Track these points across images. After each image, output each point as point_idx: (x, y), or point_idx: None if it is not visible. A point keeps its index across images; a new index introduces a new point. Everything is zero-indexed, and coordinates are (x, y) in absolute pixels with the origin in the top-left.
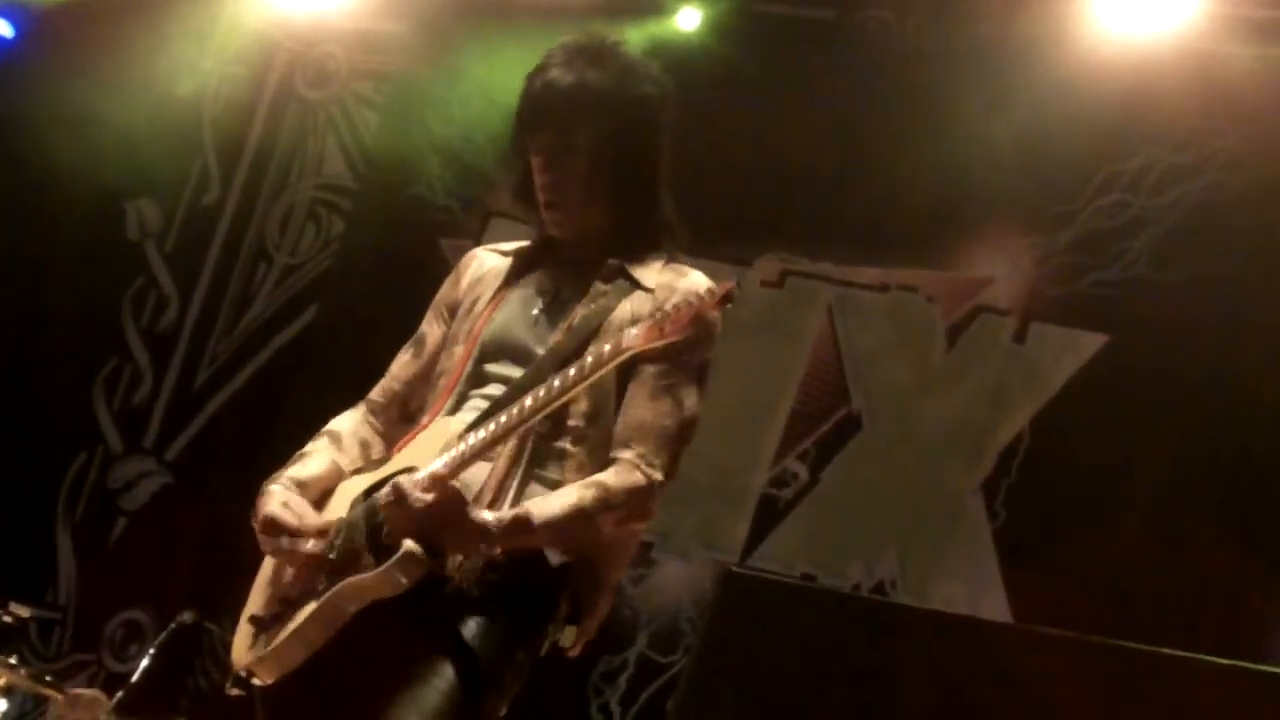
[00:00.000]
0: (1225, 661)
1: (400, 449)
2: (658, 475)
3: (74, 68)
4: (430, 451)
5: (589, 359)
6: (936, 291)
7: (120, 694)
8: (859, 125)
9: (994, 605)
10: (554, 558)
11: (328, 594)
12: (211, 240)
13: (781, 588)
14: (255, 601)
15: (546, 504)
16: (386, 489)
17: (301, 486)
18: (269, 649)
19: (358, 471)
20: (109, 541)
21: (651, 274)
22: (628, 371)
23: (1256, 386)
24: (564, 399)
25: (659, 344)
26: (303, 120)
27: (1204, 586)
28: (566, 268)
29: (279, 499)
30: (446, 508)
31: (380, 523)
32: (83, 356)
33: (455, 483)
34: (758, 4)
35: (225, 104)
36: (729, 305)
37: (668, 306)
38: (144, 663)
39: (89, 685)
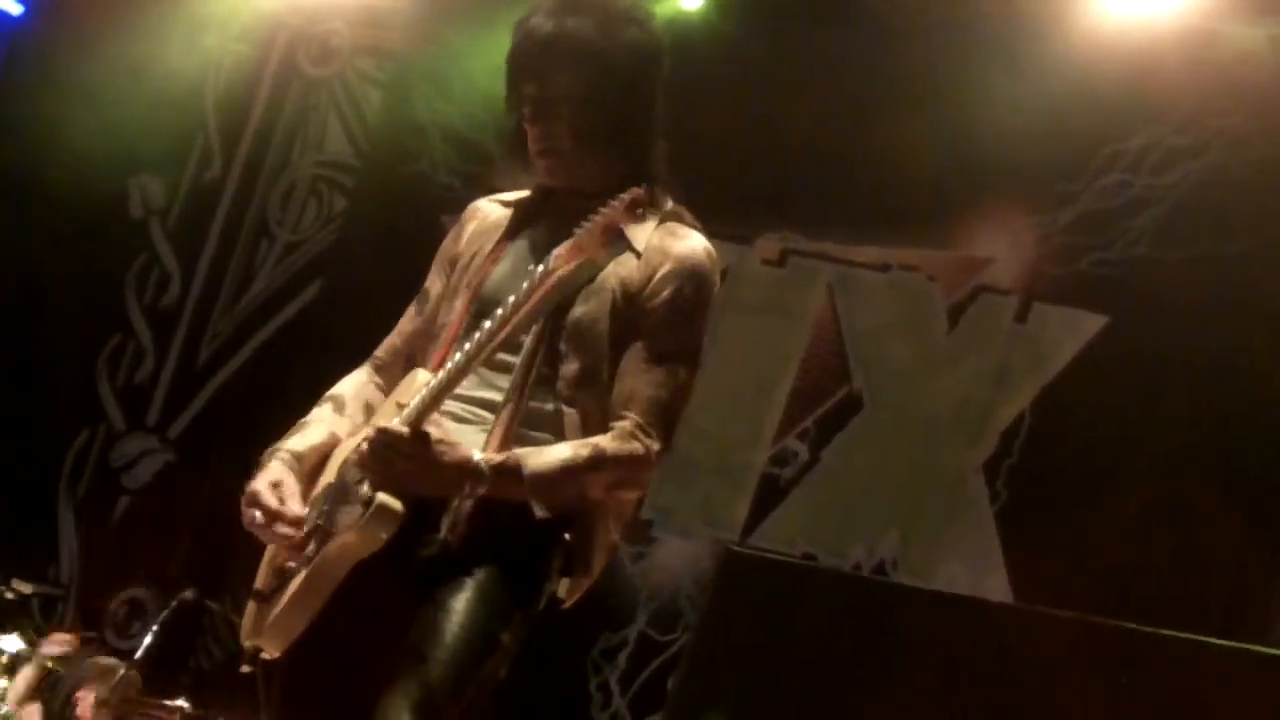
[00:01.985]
0: (1229, 643)
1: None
2: (654, 445)
3: (80, 45)
4: (403, 406)
5: (524, 286)
6: (938, 271)
7: (124, 671)
8: (861, 103)
9: (996, 585)
10: (539, 511)
11: (314, 560)
12: (214, 217)
13: (782, 567)
14: (259, 578)
15: (539, 455)
16: (353, 452)
17: (299, 458)
18: (269, 621)
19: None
20: (111, 519)
21: (643, 234)
22: (622, 337)
23: (1259, 366)
24: (506, 330)
25: (580, 260)
26: (305, 97)
27: (1206, 566)
28: (564, 220)
29: (270, 476)
30: (419, 450)
31: (358, 479)
32: (85, 334)
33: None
34: None
35: (228, 81)
36: (639, 210)
37: (586, 223)
38: (147, 640)
39: None
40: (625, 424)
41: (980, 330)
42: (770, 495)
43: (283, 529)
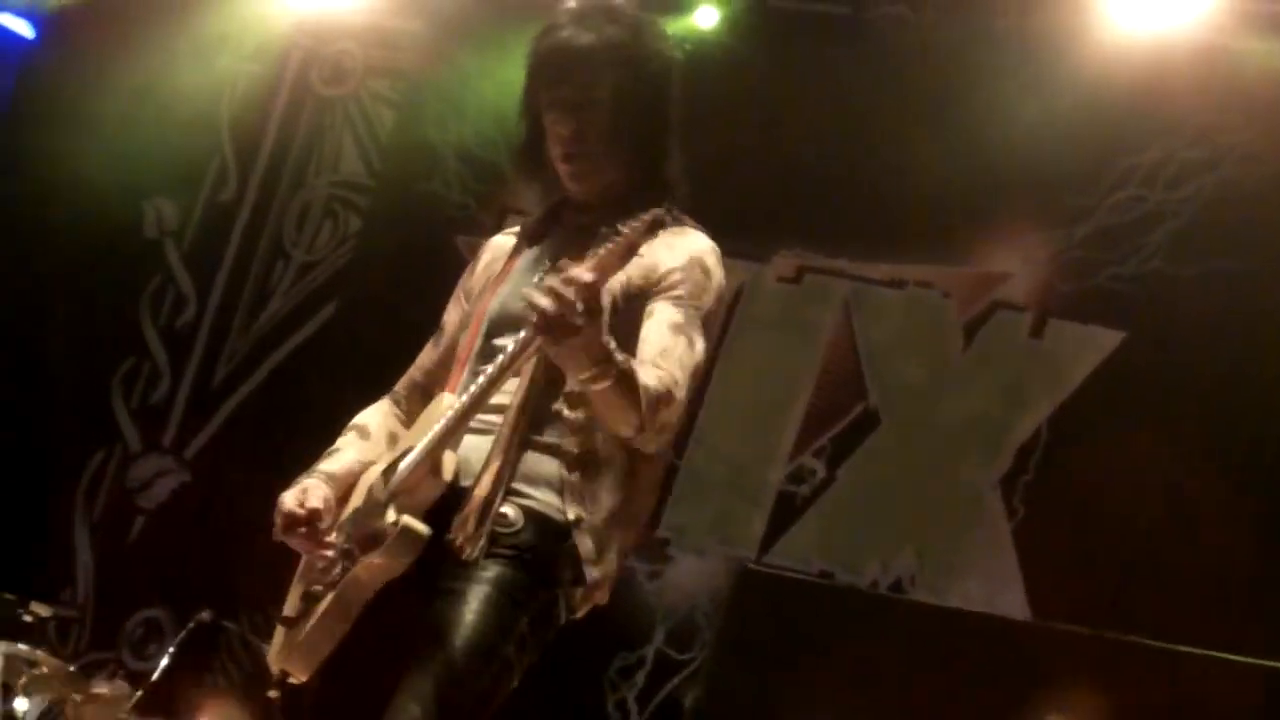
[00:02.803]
0: (1247, 659)
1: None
2: (685, 397)
3: (93, 68)
4: (426, 429)
5: (604, 254)
6: (953, 287)
7: (139, 693)
8: (875, 120)
9: (1013, 602)
10: (644, 428)
11: (341, 584)
12: (229, 238)
13: (798, 585)
14: (287, 604)
15: (641, 368)
16: (547, 283)
17: (331, 479)
18: (297, 648)
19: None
20: (127, 540)
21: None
22: (631, 320)
23: (1275, 380)
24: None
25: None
26: (319, 118)
27: (1223, 582)
28: (570, 235)
29: (298, 487)
30: (597, 311)
31: (391, 496)
32: (101, 355)
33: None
34: (774, 1)
35: (242, 102)
36: (660, 231)
37: (609, 243)
38: (163, 661)
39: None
40: (668, 373)
41: (996, 346)
42: (787, 513)
43: (302, 531)
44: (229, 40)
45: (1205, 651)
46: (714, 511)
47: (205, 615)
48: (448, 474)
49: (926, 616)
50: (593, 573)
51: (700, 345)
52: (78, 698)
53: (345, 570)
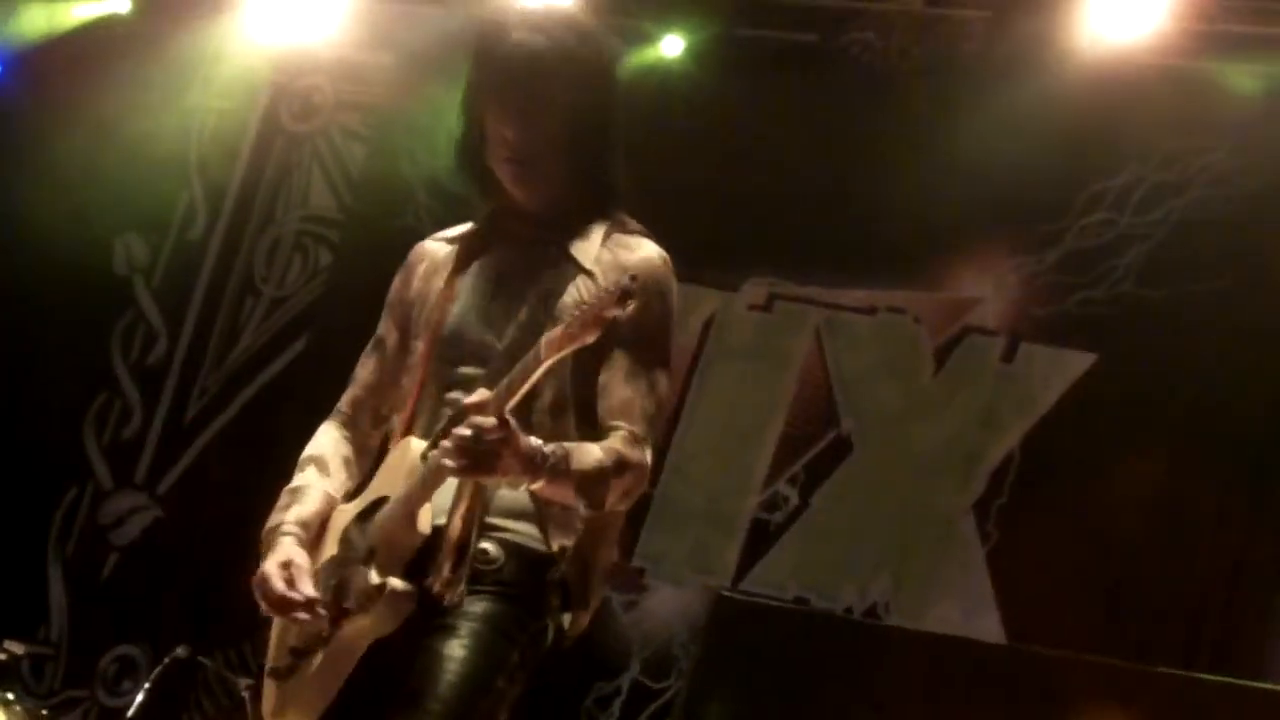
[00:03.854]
0: (1223, 679)
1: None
2: (649, 456)
3: (61, 105)
4: (398, 478)
5: (517, 371)
6: (924, 312)
7: None
8: (843, 147)
9: (988, 626)
10: (583, 510)
11: (331, 643)
12: (199, 274)
13: (774, 612)
14: (271, 653)
15: (581, 453)
16: (454, 430)
17: (304, 526)
18: (293, 703)
19: (347, 496)
20: (101, 577)
21: (591, 251)
22: (583, 363)
23: (1248, 401)
24: (509, 403)
25: (569, 349)
26: (289, 153)
27: (1199, 603)
28: (513, 249)
29: (280, 557)
30: (506, 433)
31: (369, 553)
32: (72, 392)
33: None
34: (740, 29)
35: (211, 138)
36: (630, 302)
37: (576, 312)
38: (138, 698)
39: None
40: (625, 433)
41: (968, 371)
42: (761, 540)
43: (300, 614)
44: (198, 76)
45: (1183, 672)
46: (689, 541)
47: (181, 651)
48: (424, 526)
49: (903, 641)
50: (581, 596)
51: (664, 381)
52: None
53: (332, 627)
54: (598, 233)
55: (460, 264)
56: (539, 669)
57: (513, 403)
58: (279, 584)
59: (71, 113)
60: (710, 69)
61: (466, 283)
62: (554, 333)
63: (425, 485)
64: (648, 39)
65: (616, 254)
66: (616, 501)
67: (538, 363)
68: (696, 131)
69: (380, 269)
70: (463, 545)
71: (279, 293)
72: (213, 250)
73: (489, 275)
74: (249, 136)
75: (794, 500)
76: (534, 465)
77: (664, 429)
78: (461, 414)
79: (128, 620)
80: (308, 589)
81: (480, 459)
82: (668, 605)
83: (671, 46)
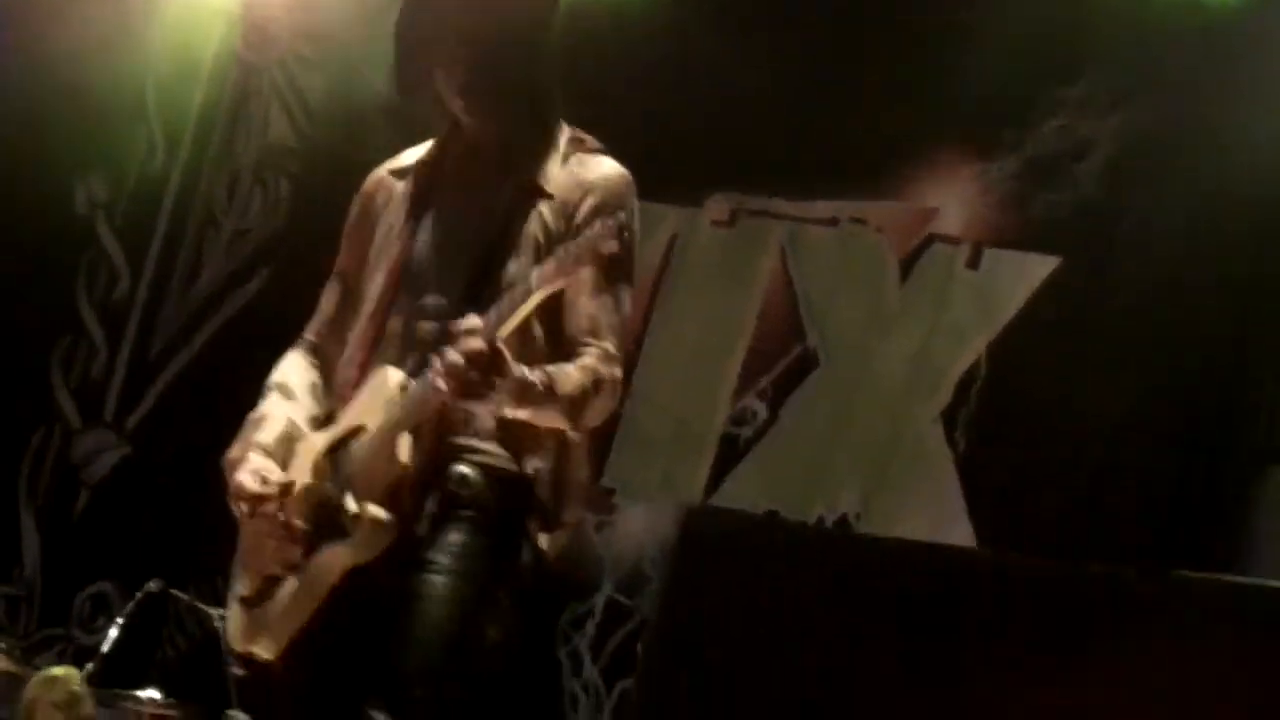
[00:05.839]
0: (1202, 576)
1: (348, 401)
2: (620, 373)
3: (14, 43)
4: (375, 407)
5: (506, 301)
6: (887, 223)
7: (90, 666)
8: (803, 60)
9: (959, 535)
10: (571, 433)
11: (307, 569)
12: (160, 210)
13: (744, 523)
14: (241, 583)
15: (563, 376)
16: (437, 362)
17: (268, 451)
18: (264, 629)
19: (314, 423)
20: (72, 516)
21: (550, 173)
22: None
23: (1211, 305)
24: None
25: (561, 283)
26: (245, 84)
27: (1174, 504)
28: (471, 175)
29: (251, 466)
30: (500, 363)
31: (347, 481)
32: (37, 333)
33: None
34: None
35: (167, 72)
36: (625, 235)
37: (567, 247)
38: (112, 633)
39: (59, 660)
40: (597, 350)
41: (932, 280)
42: (730, 456)
43: (278, 511)
44: (152, 10)
45: (1159, 573)
46: (658, 459)
47: (153, 585)
48: (404, 456)
49: (874, 550)
50: (558, 519)
51: (628, 298)
52: (33, 676)
53: (308, 553)
54: (556, 154)
55: (418, 191)
56: (523, 592)
57: (504, 332)
58: (251, 480)
59: (26, 51)
60: None
61: (430, 216)
62: (547, 266)
63: (407, 414)
64: None
65: (575, 173)
66: (594, 420)
67: (529, 294)
68: (655, 50)
69: (341, 199)
70: (437, 473)
71: (240, 225)
72: (173, 186)
73: (448, 203)
74: (205, 69)
75: (762, 415)
76: (523, 393)
77: (628, 346)
78: (449, 339)
79: (100, 558)
80: (278, 477)
81: (471, 385)
82: (639, 524)
83: None
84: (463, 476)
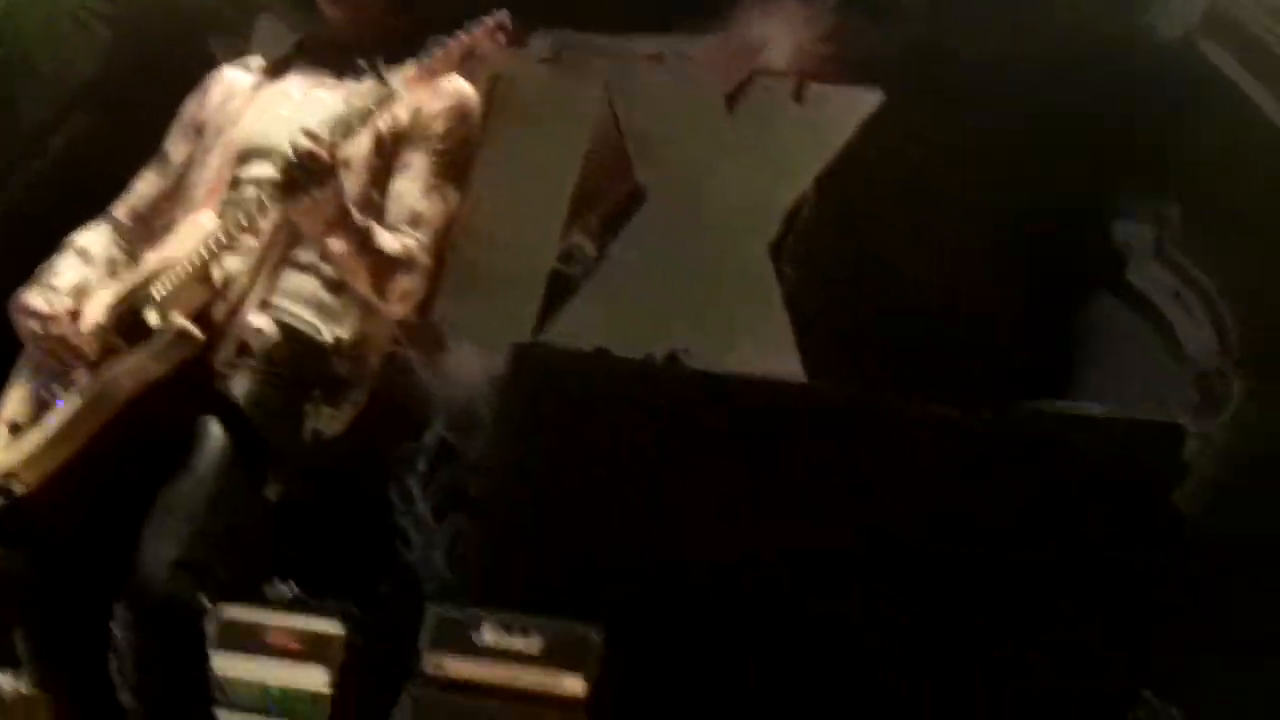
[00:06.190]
0: (1034, 406)
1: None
2: (428, 261)
3: None
4: (187, 244)
5: (354, 111)
6: (712, 59)
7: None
8: None
9: (788, 368)
10: (365, 287)
11: (96, 381)
12: None
13: (574, 359)
14: (9, 405)
15: (383, 234)
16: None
17: (55, 293)
18: (30, 450)
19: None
20: None
21: (403, 74)
22: (389, 158)
23: (1039, 133)
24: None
25: (424, 85)
26: None
27: (998, 336)
28: (322, 70)
29: (36, 293)
30: (333, 170)
31: (151, 301)
32: None
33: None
34: None
35: None
36: (501, 38)
37: (438, 48)
38: None
39: None
40: (414, 243)
41: (758, 114)
42: (560, 294)
43: (66, 331)
44: None
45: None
46: (487, 298)
47: None
48: (215, 280)
49: (704, 383)
50: (346, 396)
51: (454, 196)
52: None
53: (91, 375)
54: (411, 62)
55: (265, 83)
56: (294, 460)
57: (345, 142)
58: (38, 298)
59: None
60: None
61: (267, 94)
62: (408, 70)
63: (219, 244)
64: None
65: (429, 82)
66: (396, 300)
67: (370, 113)
68: None
69: (160, 40)
70: (237, 312)
71: (55, 68)
72: None
73: (294, 91)
74: None
75: (590, 252)
76: (343, 216)
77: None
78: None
79: None
80: (68, 301)
81: (299, 183)
82: (470, 363)
83: None
84: (258, 329)
